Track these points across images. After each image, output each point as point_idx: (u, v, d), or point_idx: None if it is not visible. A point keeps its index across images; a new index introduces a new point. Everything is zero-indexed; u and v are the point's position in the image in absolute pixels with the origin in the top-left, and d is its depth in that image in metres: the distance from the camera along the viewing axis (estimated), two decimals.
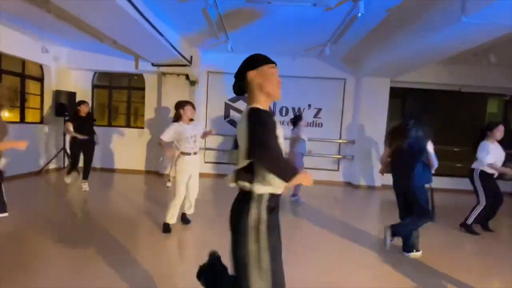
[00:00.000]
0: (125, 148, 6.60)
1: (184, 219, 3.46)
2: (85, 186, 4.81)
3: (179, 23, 4.73)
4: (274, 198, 1.30)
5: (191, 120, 3.22)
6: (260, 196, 1.27)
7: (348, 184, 6.56)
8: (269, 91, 1.31)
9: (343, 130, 6.60)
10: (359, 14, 3.34)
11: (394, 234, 2.86)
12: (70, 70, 6.57)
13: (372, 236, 3.45)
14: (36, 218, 3.46)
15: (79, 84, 6.64)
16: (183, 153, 3.14)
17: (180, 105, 3.16)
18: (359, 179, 6.37)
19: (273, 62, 1.36)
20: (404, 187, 2.88)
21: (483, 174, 3.58)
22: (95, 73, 6.75)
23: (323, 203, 4.97)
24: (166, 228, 3.18)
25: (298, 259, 2.72)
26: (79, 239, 2.94)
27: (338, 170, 6.64)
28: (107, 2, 3.17)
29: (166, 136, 3.10)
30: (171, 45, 4.91)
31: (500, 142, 3.67)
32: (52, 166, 6.23)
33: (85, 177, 4.83)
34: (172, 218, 3.19)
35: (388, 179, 3.25)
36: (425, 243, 3.03)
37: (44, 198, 4.52)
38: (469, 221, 3.68)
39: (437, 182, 6.26)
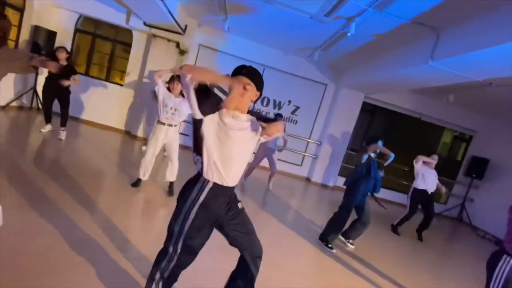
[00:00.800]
0: (102, 102, 6.45)
1: (169, 190, 3.62)
2: (63, 134, 4.72)
3: None
4: (219, 189, 1.45)
5: (183, 96, 3.39)
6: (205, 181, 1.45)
7: (307, 179, 7.17)
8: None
9: (314, 130, 7.11)
10: (349, 34, 3.68)
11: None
12: (53, 7, 6.16)
13: (313, 227, 4.00)
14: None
15: (61, 25, 6.27)
16: (159, 122, 3.34)
17: (172, 79, 3.33)
18: (317, 176, 6.99)
19: (241, 72, 1.47)
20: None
21: (414, 190, 4.64)
22: (80, 16, 6.40)
23: (283, 192, 5.48)
24: (135, 183, 3.47)
25: None
26: (44, 185, 3.07)
27: (301, 165, 7.19)
28: None
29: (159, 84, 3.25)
30: (168, 10, 4.86)
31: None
32: (15, 103, 5.93)
33: (63, 123, 4.75)
34: (143, 175, 3.46)
35: (341, 181, 3.78)
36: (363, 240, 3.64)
37: (9, 137, 4.43)
38: (395, 223, 4.75)
39: (385, 194, 7.15)
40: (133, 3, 4.96)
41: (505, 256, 2.01)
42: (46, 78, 4.73)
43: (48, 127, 4.90)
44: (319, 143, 7.07)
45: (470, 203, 7.38)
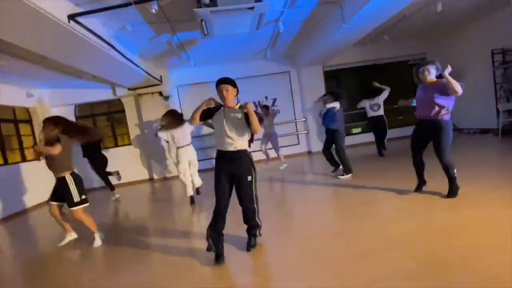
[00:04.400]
0: (122, 164, 7.56)
1: (191, 201, 4.66)
2: (116, 195, 5.97)
3: (148, 52, 5.84)
4: (220, 152, 2.50)
5: (174, 125, 4.49)
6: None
7: (309, 152, 8.21)
8: (222, 101, 2.50)
9: (296, 111, 8.21)
10: (281, 30, 4.82)
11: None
12: (52, 108, 7.37)
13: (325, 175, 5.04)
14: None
15: None
16: (178, 148, 4.46)
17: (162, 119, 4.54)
18: (316, 146, 8.04)
19: (219, 84, 2.46)
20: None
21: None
22: (75, 106, 7.61)
23: (293, 169, 6.52)
24: (191, 201, 4.56)
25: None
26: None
27: (298, 143, 8.26)
28: (96, 52, 4.12)
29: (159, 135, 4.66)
30: (144, 70, 6.02)
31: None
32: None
33: (112, 188, 5.99)
34: (189, 192, 4.56)
35: None
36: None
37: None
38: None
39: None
40: (117, 77, 6.14)
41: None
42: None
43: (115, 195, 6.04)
44: (304, 119, 8.15)
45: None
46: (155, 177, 7.60)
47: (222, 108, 2.50)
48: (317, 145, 8.04)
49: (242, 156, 2.48)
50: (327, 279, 2.00)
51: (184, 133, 4.53)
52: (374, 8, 4.11)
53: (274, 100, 8.14)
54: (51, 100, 7.26)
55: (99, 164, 5.94)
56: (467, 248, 2.11)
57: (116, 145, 7.83)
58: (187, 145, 4.52)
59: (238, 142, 2.45)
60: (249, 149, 2.55)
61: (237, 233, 2.88)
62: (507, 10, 6.14)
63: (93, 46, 3.88)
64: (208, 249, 2.49)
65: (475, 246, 2.12)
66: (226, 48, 6.29)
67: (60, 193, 3.29)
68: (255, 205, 2.59)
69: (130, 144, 7.75)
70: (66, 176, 3.22)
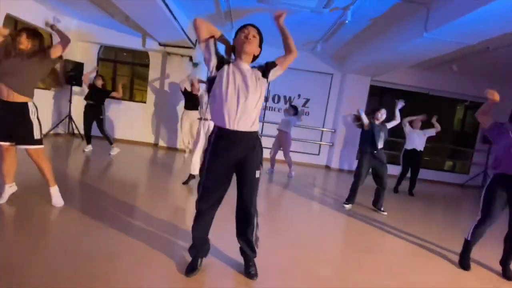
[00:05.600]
0: (129, 120, 7.08)
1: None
2: (114, 150, 5.39)
3: (189, 6, 5.22)
4: (220, 131, 1.69)
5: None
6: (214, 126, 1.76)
7: (327, 167, 7.47)
8: (238, 48, 1.74)
9: (327, 119, 7.45)
10: (347, 21, 4.08)
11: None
12: (78, 42, 6.90)
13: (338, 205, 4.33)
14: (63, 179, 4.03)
15: (86, 56, 7.00)
16: (204, 119, 3.82)
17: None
18: (336, 163, 7.28)
19: (244, 26, 1.76)
20: None
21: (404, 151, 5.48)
22: (101, 46, 7.12)
23: (305, 181, 5.82)
24: (188, 180, 3.99)
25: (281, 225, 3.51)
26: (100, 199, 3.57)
27: (318, 154, 7.52)
28: None
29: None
30: (181, 27, 5.42)
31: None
32: (57, 131, 6.63)
33: (110, 142, 5.43)
34: (193, 170, 3.94)
35: None
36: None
37: (61, 160, 5.03)
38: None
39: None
40: (150, 25, 5.56)
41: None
42: (85, 105, 5.39)
43: (89, 147, 5.49)
44: (333, 130, 7.39)
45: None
46: (161, 143, 7.05)
47: (230, 62, 1.74)
48: (337, 162, 7.29)
49: (255, 140, 1.74)
50: None
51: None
52: (472, 23, 3.32)
53: (307, 100, 7.40)
54: (78, 33, 6.76)
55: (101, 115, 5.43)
56: None
57: (131, 99, 7.31)
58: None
59: (251, 115, 1.68)
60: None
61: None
62: None
63: None
64: (191, 251, 1.91)
65: None
66: (275, 27, 5.55)
67: (8, 128, 2.36)
68: (255, 216, 1.84)
69: (145, 102, 7.22)
70: (29, 104, 2.41)
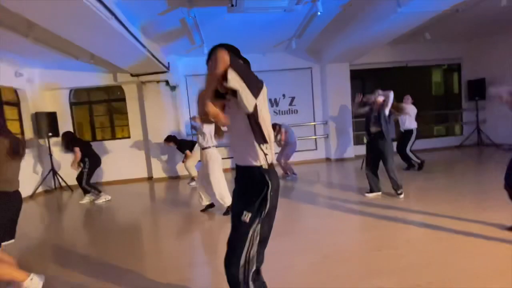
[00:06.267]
0: (117, 159, 6.73)
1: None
2: (101, 198, 5.00)
3: (156, 32, 5.02)
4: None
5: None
6: None
7: (327, 159, 7.38)
8: None
9: (316, 113, 7.38)
10: (319, 12, 4.00)
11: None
12: (45, 91, 6.54)
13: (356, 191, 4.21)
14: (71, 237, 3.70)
15: (57, 104, 6.63)
16: (215, 147, 3.63)
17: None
18: (335, 153, 7.21)
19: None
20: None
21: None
22: (70, 90, 6.78)
23: (310, 178, 5.69)
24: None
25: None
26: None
27: (316, 149, 7.42)
28: (93, 19, 3.26)
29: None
30: (149, 51, 5.15)
31: None
32: (41, 189, 6.17)
33: (87, 191, 5.01)
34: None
35: (360, 150, 4.03)
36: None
37: (56, 218, 4.67)
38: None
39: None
40: (119, 59, 5.29)
41: None
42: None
43: (85, 198, 5.09)
44: (325, 122, 7.32)
45: (484, 125, 7.57)
46: (155, 176, 6.74)
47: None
48: (337, 152, 7.22)
49: (250, 175, 1.45)
50: None
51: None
52: None
53: (293, 98, 7.31)
54: (44, 82, 6.42)
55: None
56: None
57: (114, 137, 6.99)
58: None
59: (239, 148, 1.49)
60: (265, 163, 1.42)
61: None
62: None
63: (90, 11, 3.06)
64: None
65: None
66: (246, 34, 5.43)
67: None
68: (239, 274, 1.39)
69: (129, 137, 6.91)
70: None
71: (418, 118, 5.51)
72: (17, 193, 2.14)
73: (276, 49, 6.66)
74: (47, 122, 6.05)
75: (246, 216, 1.39)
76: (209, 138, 3.57)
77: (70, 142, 4.90)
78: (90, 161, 4.91)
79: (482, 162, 6.20)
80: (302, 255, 2.47)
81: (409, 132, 5.38)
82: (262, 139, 1.40)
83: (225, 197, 3.48)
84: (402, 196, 3.75)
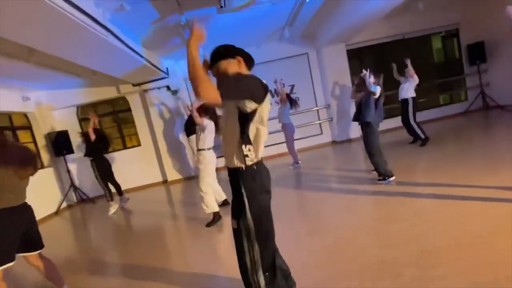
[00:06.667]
0: (131, 167, 6.95)
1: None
2: (113, 209, 5.16)
3: (151, 41, 5.10)
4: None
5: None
6: None
7: (334, 142, 7.46)
8: None
9: (318, 97, 7.42)
10: (307, 0, 4.03)
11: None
12: (52, 112, 6.77)
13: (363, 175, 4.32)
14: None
15: (65, 122, 6.85)
16: (209, 149, 3.48)
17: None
18: (341, 135, 7.28)
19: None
20: None
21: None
22: (77, 107, 6.99)
23: (317, 163, 5.80)
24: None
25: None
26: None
27: (322, 133, 7.50)
28: (90, 38, 3.36)
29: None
30: (148, 60, 5.28)
31: None
32: (65, 204, 6.48)
33: (111, 198, 5.20)
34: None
35: None
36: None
37: (87, 229, 4.95)
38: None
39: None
40: (120, 73, 5.42)
41: None
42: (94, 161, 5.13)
43: (113, 206, 5.22)
44: (327, 106, 7.37)
45: (488, 88, 7.48)
46: (170, 178, 6.98)
47: None
48: (344, 134, 7.29)
49: (232, 178, 1.48)
50: None
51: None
52: None
53: (292, 86, 7.35)
54: (51, 103, 6.65)
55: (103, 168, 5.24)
56: None
57: (125, 147, 7.22)
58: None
59: (224, 149, 1.49)
60: (249, 162, 1.41)
61: None
62: None
63: (87, 31, 3.19)
64: None
65: None
66: (238, 30, 5.48)
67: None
68: (249, 279, 1.41)
69: (139, 145, 7.13)
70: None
71: (421, 88, 5.49)
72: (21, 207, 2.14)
73: (270, 39, 6.68)
74: (60, 141, 6.30)
75: (234, 223, 1.41)
76: (204, 139, 3.40)
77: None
78: (97, 165, 5.11)
79: (490, 125, 6.18)
80: (314, 235, 2.63)
81: (405, 101, 5.37)
82: (247, 139, 1.39)
83: (210, 204, 3.38)
84: (382, 182, 3.63)
